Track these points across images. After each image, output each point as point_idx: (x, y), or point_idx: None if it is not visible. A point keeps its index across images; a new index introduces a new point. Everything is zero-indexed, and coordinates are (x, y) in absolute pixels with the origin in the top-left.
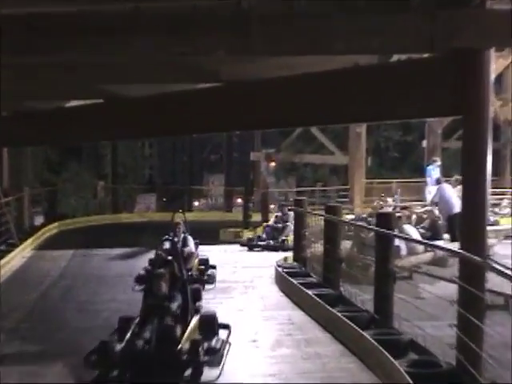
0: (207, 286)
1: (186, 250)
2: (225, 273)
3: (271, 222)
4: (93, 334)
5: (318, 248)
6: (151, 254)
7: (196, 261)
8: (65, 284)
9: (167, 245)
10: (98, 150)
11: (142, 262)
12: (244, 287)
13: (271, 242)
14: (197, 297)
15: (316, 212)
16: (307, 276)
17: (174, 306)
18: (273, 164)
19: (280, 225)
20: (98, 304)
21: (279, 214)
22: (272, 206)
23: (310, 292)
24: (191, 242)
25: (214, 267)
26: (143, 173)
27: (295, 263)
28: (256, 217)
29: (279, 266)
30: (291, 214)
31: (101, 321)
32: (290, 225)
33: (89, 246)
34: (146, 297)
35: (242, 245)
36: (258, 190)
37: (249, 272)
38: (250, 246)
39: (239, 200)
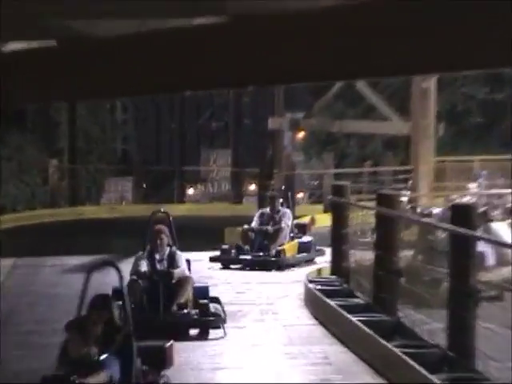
0: (213, 333)
1: (176, 272)
2: (232, 291)
3: (254, 223)
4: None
5: (367, 255)
6: (125, 264)
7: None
8: (1, 308)
9: (144, 265)
10: (48, 115)
11: (113, 277)
12: (260, 312)
13: (260, 254)
14: (158, 362)
15: (363, 203)
16: (351, 296)
17: (100, 378)
18: (301, 135)
19: (270, 227)
20: (48, 336)
21: (266, 210)
22: (300, 195)
23: (354, 319)
24: (182, 260)
25: (217, 301)
26: (114, 147)
27: (333, 277)
28: None
29: (311, 281)
30: (287, 211)
31: (53, 360)
32: (286, 227)
33: (36, 253)
34: (60, 361)
35: (213, 260)
36: (279, 173)
37: (267, 289)
38: (225, 260)
39: (252, 187)
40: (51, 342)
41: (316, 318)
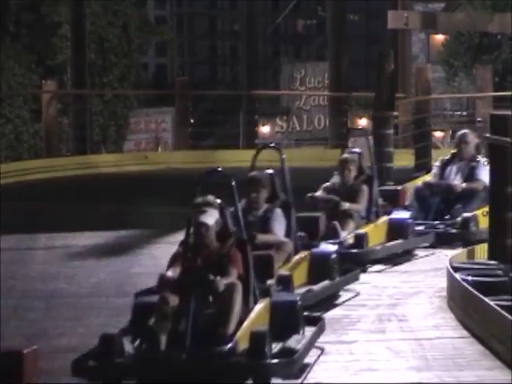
0: None
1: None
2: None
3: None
4: None
5: None
6: (166, 247)
7: None
8: None
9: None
10: (39, 12)
11: (148, 265)
12: (378, 317)
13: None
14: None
15: None
16: None
17: None
18: (440, 38)
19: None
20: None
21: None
22: (440, 134)
23: None
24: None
25: None
26: (144, 62)
27: (493, 263)
28: (403, 159)
29: (457, 268)
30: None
31: None
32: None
33: (24, 229)
34: None
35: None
36: (405, 98)
37: (388, 281)
38: None
39: (362, 121)
40: None
41: (467, 328)
